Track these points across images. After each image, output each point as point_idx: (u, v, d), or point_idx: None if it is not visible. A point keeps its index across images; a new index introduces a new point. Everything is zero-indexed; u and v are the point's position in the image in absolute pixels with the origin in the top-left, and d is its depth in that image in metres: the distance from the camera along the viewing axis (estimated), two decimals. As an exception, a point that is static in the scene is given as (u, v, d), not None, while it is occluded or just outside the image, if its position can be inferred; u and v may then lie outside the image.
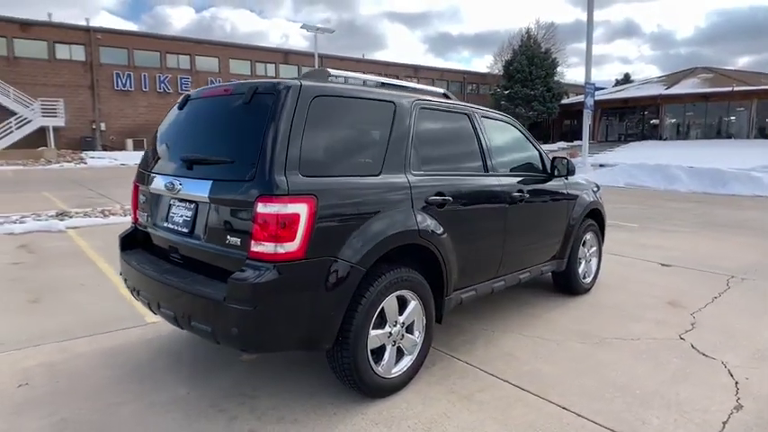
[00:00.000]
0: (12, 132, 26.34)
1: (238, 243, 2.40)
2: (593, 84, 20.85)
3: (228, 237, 2.46)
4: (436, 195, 3.00)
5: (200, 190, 2.59)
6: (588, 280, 4.85)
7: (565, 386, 2.99)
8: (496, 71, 49.78)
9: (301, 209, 2.32)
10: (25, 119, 26.78)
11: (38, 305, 4.27)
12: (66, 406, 2.68)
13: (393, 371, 2.82)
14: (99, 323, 3.84)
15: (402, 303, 2.86)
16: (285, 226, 2.28)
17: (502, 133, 3.91)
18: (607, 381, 3.06)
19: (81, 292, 4.61)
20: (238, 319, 2.29)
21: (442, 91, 3.64)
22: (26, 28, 28.57)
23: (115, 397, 2.78)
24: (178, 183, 2.73)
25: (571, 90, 51.04)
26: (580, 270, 4.70)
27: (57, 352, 3.35)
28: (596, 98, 41.52)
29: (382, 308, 2.71)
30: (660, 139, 37.18)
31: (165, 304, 2.65)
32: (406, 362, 2.91)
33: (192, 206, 2.67)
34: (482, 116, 3.65)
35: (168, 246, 2.88)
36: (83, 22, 30.64)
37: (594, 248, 4.94)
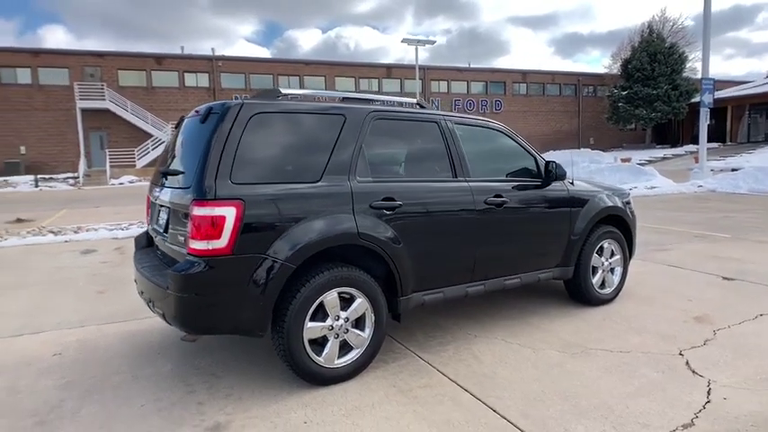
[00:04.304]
0: (149, 152, 30.58)
1: (183, 241, 2.83)
2: (712, 79, 18.78)
3: (179, 236, 2.90)
4: (384, 200, 3.18)
5: (166, 197, 3.08)
6: (608, 291, 4.59)
7: (510, 390, 2.98)
8: (615, 71, 46.61)
9: (228, 211, 2.68)
10: (159, 140, 30.95)
11: (102, 295, 5.15)
12: (75, 372, 3.32)
13: (336, 362, 3.05)
14: (138, 310, 4.54)
15: (348, 300, 3.08)
16: (214, 226, 2.66)
17: (483, 139, 3.94)
18: (558, 389, 2.98)
19: (140, 286, 5.44)
20: (176, 304, 2.72)
21: (415, 101, 3.80)
22: (160, 61, 33.21)
23: (114, 368, 3.37)
24: (158, 191, 3.26)
25: (709, 86, 45.60)
26: (595, 280, 4.47)
27: (94, 331, 4.08)
28: (737, 93, 37.22)
29: (321, 302, 2.96)
30: (825, 137, 31.95)
31: (144, 292, 3.17)
32: (353, 355, 3.11)
33: (167, 211, 3.17)
34: (456, 123, 3.73)
35: (156, 244, 3.43)
36: (229, 53, 34.54)
37: (617, 257, 4.65)
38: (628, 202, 4.82)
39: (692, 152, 34.60)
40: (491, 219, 3.69)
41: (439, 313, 4.30)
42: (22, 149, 29.30)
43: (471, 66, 46.41)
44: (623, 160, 28.55)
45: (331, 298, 2.99)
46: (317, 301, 2.94)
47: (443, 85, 43.53)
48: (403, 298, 3.30)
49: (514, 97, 46.31)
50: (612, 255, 4.63)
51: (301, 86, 36.24)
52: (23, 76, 29.89)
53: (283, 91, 3.25)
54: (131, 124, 31.16)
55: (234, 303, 2.74)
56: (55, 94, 30.20)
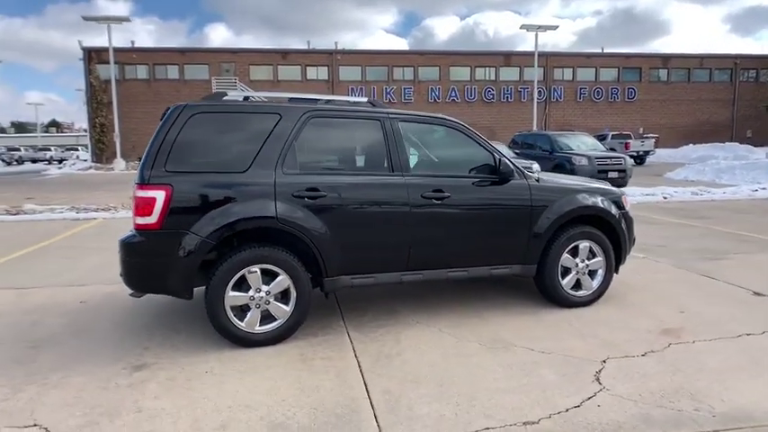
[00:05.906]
0: (270, 141, 34.05)
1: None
2: None
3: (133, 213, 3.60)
4: (308, 190, 3.56)
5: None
6: (583, 293, 4.44)
7: (397, 371, 3.22)
8: (784, 52, 40.03)
9: (158, 194, 3.29)
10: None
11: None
12: (84, 315, 4.25)
13: (257, 328, 3.54)
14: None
15: (272, 276, 3.54)
16: (149, 205, 3.30)
17: (434, 137, 4.09)
18: (442, 375, 3.15)
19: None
20: (121, 266, 3.43)
21: (365, 100, 4.07)
22: (285, 56, 36.26)
23: (110, 316, 4.25)
24: (139, 178, 4.01)
25: None
26: (566, 281, 4.36)
27: (120, 287, 5.01)
28: None
29: (243, 275, 3.46)
30: None
31: None
32: (276, 324, 3.58)
33: None
34: (402, 120, 3.93)
35: None
36: (361, 45, 37.03)
37: (598, 260, 4.45)
38: (617, 203, 4.57)
39: None
40: (429, 212, 3.86)
41: (399, 299, 4.57)
42: (171, 136, 34.28)
43: (604, 50, 43.11)
44: (776, 157, 24.64)
45: (253, 272, 3.47)
46: (239, 274, 3.44)
47: (568, 73, 41.04)
48: (328, 279, 3.67)
49: (651, 84, 42.11)
50: (592, 256, 4.46)
51: (415, 78, 36.90)
52: (172, 72, 34.82)
53: (229, 93, 3.79)
54: (258, 115, 34.69)
55: (161, 269, 3.37)
56: (197, 88, 34.54)
